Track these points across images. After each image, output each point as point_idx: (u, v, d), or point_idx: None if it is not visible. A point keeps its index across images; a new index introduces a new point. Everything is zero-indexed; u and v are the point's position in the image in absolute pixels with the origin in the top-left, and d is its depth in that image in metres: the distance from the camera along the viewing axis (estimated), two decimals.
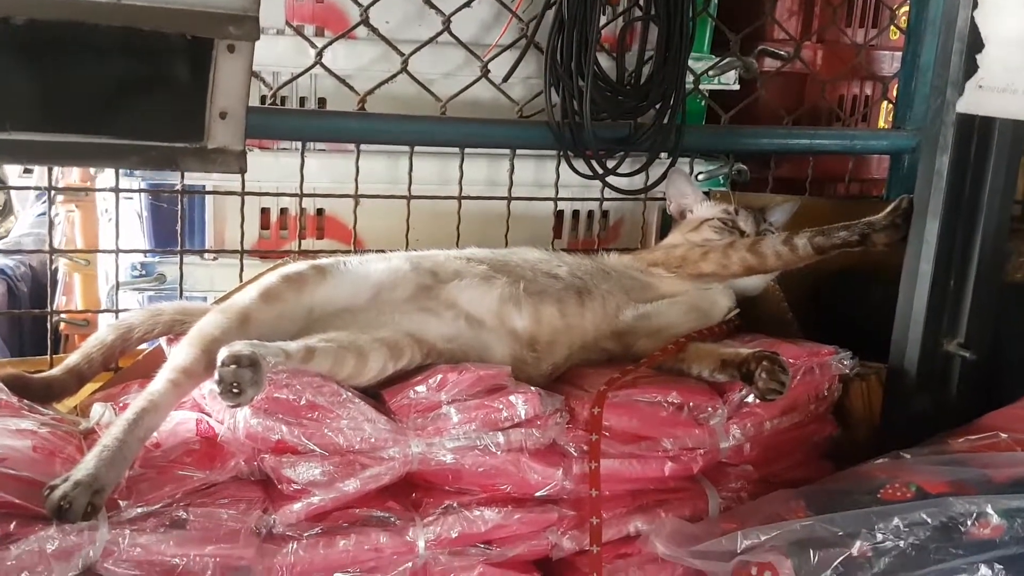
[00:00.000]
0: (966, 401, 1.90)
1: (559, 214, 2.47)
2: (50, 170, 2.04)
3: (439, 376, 1.71)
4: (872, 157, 2.90)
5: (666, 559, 1.76)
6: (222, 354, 1.51)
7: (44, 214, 4.04)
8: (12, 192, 5.03)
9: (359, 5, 2.17)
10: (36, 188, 3.26)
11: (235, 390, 1.49)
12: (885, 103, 2.88)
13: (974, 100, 1.68)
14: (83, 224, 3.03)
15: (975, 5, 1.68)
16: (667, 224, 2.43)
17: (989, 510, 1.45)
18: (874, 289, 2.26)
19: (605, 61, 2.30)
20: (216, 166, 1.69)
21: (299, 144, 2.18)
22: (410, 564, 1.69)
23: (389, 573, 1.68)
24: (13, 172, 5.11)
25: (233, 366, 1.49)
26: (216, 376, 1.50)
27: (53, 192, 2.67)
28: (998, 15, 1.63)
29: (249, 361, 1.49)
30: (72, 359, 1.92)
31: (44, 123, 1.61)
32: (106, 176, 2.39)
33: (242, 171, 1.72)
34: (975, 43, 1.68)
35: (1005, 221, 1.86)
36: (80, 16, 1.53)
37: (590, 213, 2.55)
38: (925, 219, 1.86)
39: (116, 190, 2.11)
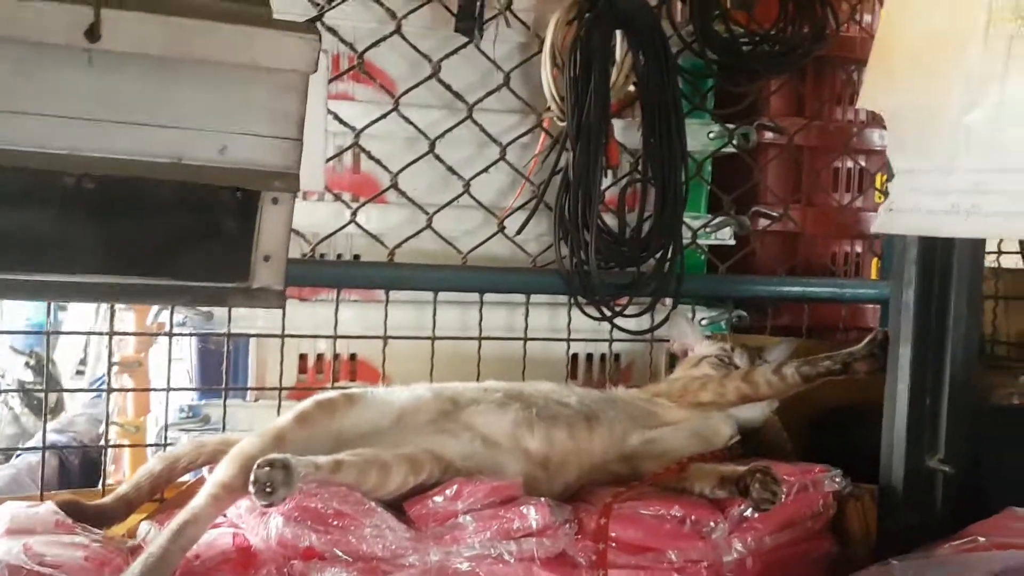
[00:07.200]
0: (952, 515, 2.01)
1: (573, 358, 2.66)
2: (112, 314, 2.28)
3: (455, 487, 1.85)
4: (867, 307, 3.08)
5: None
6: (258, 461, 1.69)
7: (96, 397, 4.35)
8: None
9: (389, 172, 2.45)
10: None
11: (268, 489, 1.64)
12: (876, 260, 3.10)
13: (884, 221, 1.98)
14: (135, 393, 3.23)
15: None
16: (674, 368, 2.60)
17: None
18: (865, 425, 2.40)
19: (610, 220, 2.57)
20: (259, 302, 1.89)
21: (334, 295, 2.43)
22: None
23: None
24: (66, 373, 5.50)
25: (267, 468, 1.65)
26: (252, 477, 1.66)
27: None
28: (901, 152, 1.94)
29: (282, 464, 1.66)
30: (122, 489, 2.08)
31: (109, 267, 1.80)
32: (159, 347, 2.71)
33: (281, 307, 1.93)
34: None
35: (972, 345, 2.03)
36: (145, 173, 1.75)
37: (603, 356, 2.74)
38: (898, 346, 2.04)
39: (170, 334, 2.35)
